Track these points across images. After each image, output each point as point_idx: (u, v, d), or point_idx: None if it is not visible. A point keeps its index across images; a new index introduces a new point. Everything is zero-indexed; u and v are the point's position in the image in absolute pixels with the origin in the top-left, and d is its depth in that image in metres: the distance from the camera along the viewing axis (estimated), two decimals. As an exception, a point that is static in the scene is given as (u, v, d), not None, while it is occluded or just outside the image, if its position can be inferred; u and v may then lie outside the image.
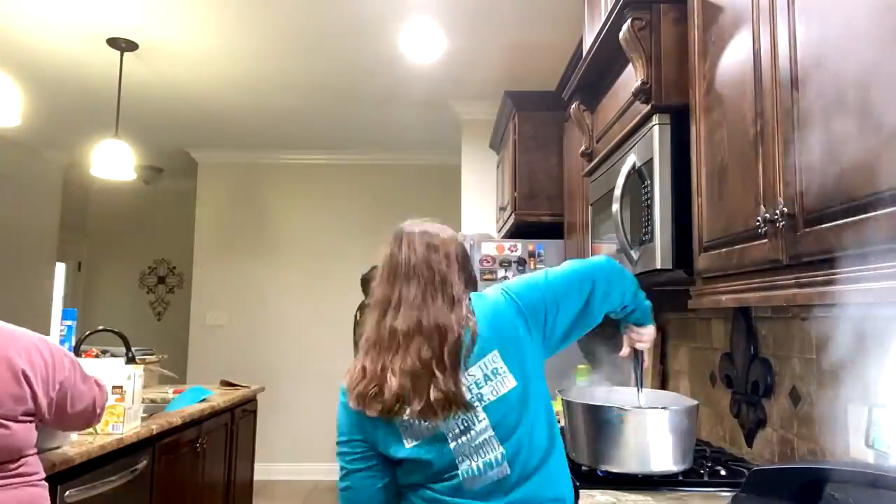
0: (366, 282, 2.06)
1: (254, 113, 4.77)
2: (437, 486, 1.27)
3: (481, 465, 1.24)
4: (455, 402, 1.22)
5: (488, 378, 1.26)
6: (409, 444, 1.27)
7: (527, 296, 1.34)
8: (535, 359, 1.32)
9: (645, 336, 1.57)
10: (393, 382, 1.23)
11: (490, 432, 1.25)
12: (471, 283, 1.40)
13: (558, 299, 1.36)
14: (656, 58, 1.73)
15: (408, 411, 1.23)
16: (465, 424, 1.24)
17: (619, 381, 2.23)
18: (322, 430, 4.96)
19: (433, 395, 1.21)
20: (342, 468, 1.35)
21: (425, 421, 1.23)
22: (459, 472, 1.25)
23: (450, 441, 1.25)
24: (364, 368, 1.28)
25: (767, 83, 1.23)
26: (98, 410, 1.87)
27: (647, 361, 1.66)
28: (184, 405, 2.99)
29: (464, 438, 1.25)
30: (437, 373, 1.22)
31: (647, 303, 1.54)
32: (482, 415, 1.25)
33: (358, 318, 1.92)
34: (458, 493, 1.25)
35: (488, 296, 1.36)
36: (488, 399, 1.25)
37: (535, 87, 3.61)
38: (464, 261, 1.39)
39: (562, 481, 1.32)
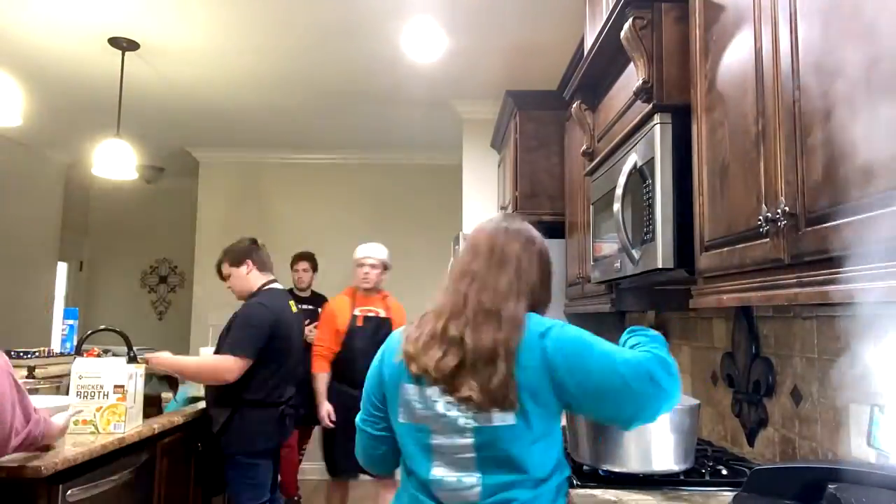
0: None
1: (255, 112, 4.78)
2: (413, 479, 1.31)
3: (454, 479, 1.25)
4: (505, 397, 1.20)
5: None
6: (400, 419, 1.31)
7: (568, 355, 1.23)
8: (543, 411, 1.24)
9: None
10: (460, 353, 1.24)
11: (471, 454, 1.23)
12: (539, 303, 1.36)
13: (590, 399, 1.24)
14: (657, 57, 1.73)
15: (454, 380, 1.23)
16: (451, 434, 1.24)
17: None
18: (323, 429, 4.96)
19: (494, 382, 1.20)
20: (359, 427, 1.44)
21: (447, 421, 1.24)
22: (431, 472, 1.26)
23: (432, 438, 1.27)
24: (441, 335, 1.28)
25: (769, 82, 1.23)
26: (12, 440, 1.63)
27: None
28: (175, 409, 2.98)
29: (446, 443, 1.25)
30: (502, 362, 1.21)
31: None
32: (469, 433, 1.23)
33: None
34: (430, 496, 1.27)
35: (536, 323, 1.29)
36: (481, 423, 1.22)
37: (537, 87, 3.61)
38: (545, 276, 1.39)
39: None
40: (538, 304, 1.36)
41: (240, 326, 2.73)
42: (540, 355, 1.23)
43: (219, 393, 2.76)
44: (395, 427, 1.33)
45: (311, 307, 4.39)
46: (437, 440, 1.26)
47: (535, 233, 1.41)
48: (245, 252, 2.94)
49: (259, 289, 2.89)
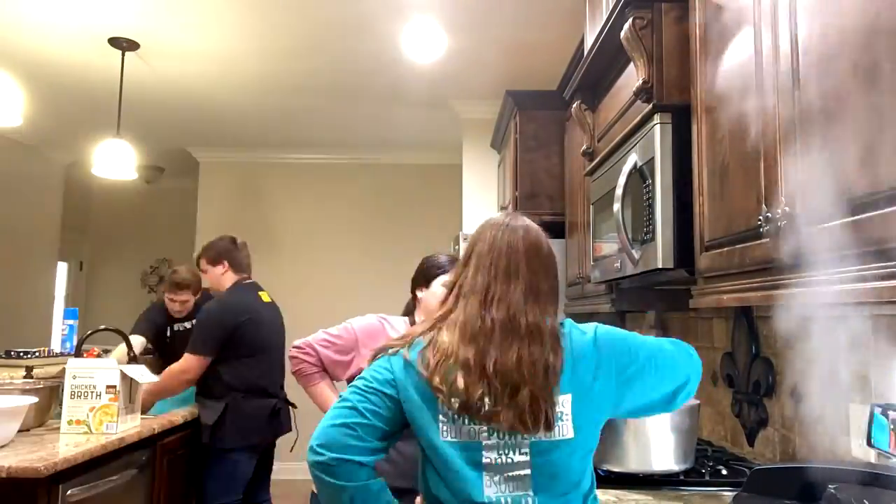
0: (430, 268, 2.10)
1: (255, 112, 4.78)
2: (459, 494, 1.17)
3: (509, 500, 1.15)
4: (545, 421, 1.13)
5: None
6: (444, 437, 1.18)
7: (618, 351, 1.22)
8: (599, 417, 1.22)
9: None
10: (487, 382, 1.14)
11: (527, 471, 1.15)
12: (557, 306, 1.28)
13: (647, 373, 1.22)
14: (657, 57, 1.73)
15: (484, 411, 1.14)
16: (505, 450, 1.16)
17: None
18: (323, 429, 4.96)
19: (532, 405, 1.12)
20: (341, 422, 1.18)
21: (502, 434, 1.15)
22: (485, 494, 1.15)
23: (483, 456, 1.16)
24: (462, 357, 1.17)
25: (769, 82, 1.23)
26: None
27: None
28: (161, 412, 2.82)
29: (498, 461, 1.16)
30: (542, 381, 1.14)
31: None
32: (525, 448, 1.16)
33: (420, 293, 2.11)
34: None
35: (575, 329, 1.25)
36: (539, 437, 1.16)
37: (537, 87, 3.61)
38: (555, 276, 1.28)
39: None
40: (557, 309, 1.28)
41: (196, 326, 2.91)
42: (597, 361, 1.20)
43: (209, 389, 2.85)
44: (435, 445, 1.18)
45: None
46: (490, 457, 1.16)
47: (537, 227, 1.31)
48: (222, 252, 3.03)
49: (230, 287, 2.99)
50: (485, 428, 1.16)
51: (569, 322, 1.26)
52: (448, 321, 1.23)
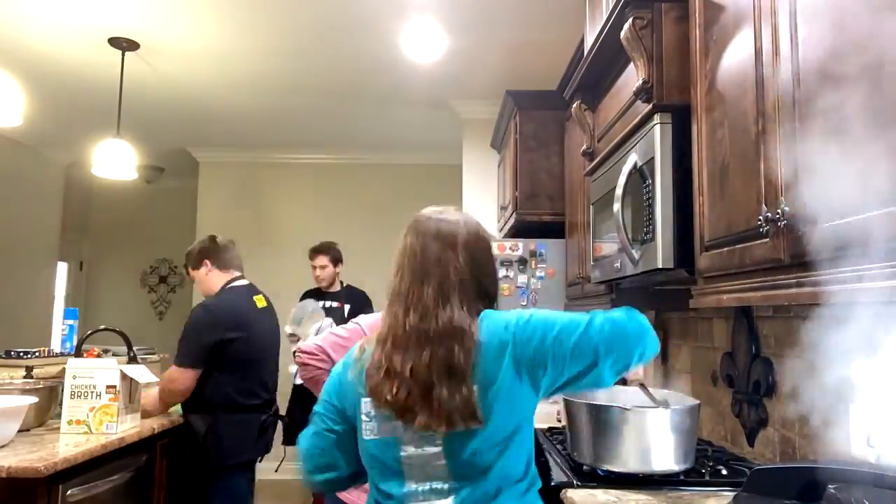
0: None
1: (255, 112, 4.78)
2: (385, 490, 1.24)
3: (426, 490, 1.20)
4: (464, 415, 1.16)
5: None
6: (366, 436, 1.25)
7: (529, 334, 1.22)
8: (512, 405, 1.22)
9: (638, 371, 1.54)
10: (406, 385, 1.19)
11: (442, 461, 1.19)
12: (487, 295, 1.30)
13: (564, 360, 1.21)
14: (657, 57, 1.73)
15: (401, 406, 1.20)
16: (421, 443, 1.20)
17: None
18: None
19: (443, 403, 1.16)
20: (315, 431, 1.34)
21: (420, 430, 1.19)
22: (405, 486, 1.21)
23: (402, 450, 1.21)
24: (386, 367, 1.22)
25: (769, 82, 1.23)
26: None
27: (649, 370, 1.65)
28: None
29: (416, 454, 1.20)
30: (448, 380, 1.17)
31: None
32: (438, 440, 1.19)
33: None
34: None
35: (496, 320, 1.26)
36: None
37: (537, 87, 3.61)
38: (481, 265, 1.30)
39: None
40: (486, 298, 1.29)
41: (183, 336, 2.58)
42: (508, 348, 1.21)
43: (193, 402, 2.59)
44: (362, 444, 1.27)
45: (334, 303, 4.09)
46: (409, 451, 1.21)
47: (459, 223, 1.32)
48: (202, 253, 2.80)
49: (221, 288, 2.74)
50: (401, 424, 1.21)
51: (489, 313, 1.27)
52: (379, 330, 1.29)
